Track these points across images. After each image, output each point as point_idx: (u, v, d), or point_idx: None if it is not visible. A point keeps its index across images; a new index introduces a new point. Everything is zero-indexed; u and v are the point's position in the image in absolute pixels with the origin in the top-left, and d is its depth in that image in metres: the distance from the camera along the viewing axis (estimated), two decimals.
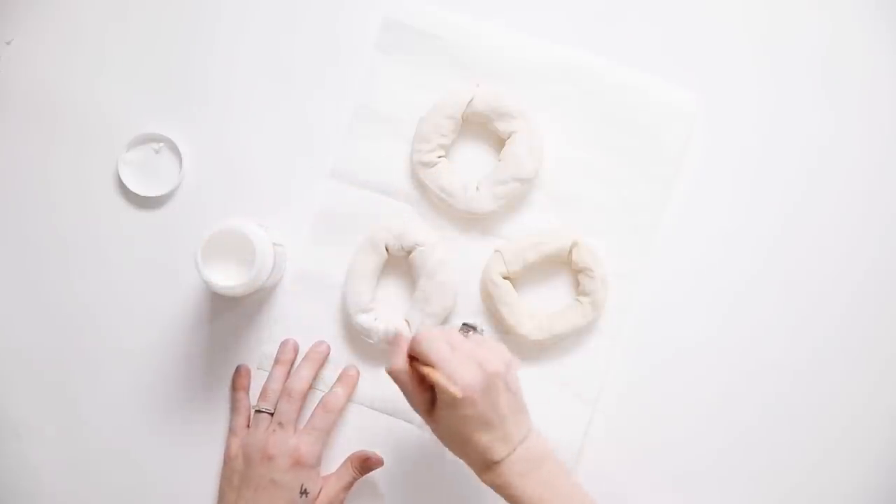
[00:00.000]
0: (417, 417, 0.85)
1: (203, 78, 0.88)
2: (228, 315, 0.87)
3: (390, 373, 0.73)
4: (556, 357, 0.85)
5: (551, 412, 0.84)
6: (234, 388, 0.86)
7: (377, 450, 0.84)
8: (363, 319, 0.84)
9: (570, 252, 0.84)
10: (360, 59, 0.87)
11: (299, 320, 0.87)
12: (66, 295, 0.88)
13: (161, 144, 0.88)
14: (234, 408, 0.85)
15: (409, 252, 0.84)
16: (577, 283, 0.85)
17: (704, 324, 0.85)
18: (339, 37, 0.88)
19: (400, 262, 0.86)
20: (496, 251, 0.84)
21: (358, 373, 0.86)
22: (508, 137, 0.84)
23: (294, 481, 0.80)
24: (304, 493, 0.80)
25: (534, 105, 0.85)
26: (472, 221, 0.86)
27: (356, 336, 0.86)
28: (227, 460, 0.84)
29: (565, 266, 0.85)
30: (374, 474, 0.85)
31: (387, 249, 0.85)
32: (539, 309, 0.85)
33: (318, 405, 0.84)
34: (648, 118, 0.86)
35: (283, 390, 0.83)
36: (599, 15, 0.87)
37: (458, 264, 0.86)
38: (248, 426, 0.84)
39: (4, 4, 0.89)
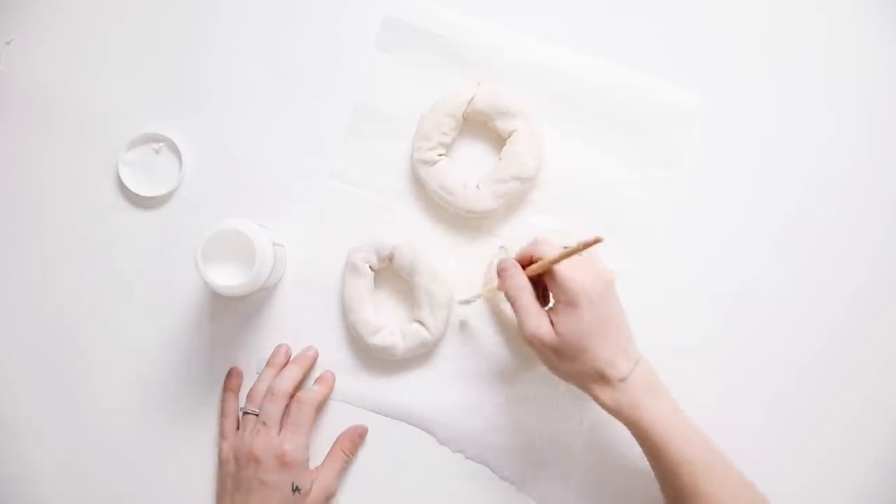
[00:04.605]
0: (420, 417, 0.85)
1: (203, 78, 0.88)
2: (228, 315, 0.87)
3: (510, 292, 0.74)
4: None
5: (553, 412, 0.84)
6: (224, 389, 0.86)
7: (376, 454, 0.85)
8: (378, 340, 0.84)
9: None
10: (361, 58, 0.87)
11: (299, 320, 0.87)
12: (66, 295, 0.88)
13: (161, 144, 0.88)
14: (222, 411, 0.86)
15: (391, 259, 0.84)
16: None
17: (704, 324, 0.85)
18: (339, 36, 0.88)
19: (389, 272, 0.86)
20: (501, 247, 0.84)
21: (334, 376, 0.86)
22: (509, 136, 0.84)
23: (283, 481, 0.80)
24: (295, 490, 0.80)
25: (534, 105, 0.86)
26: (471, 220, 0.86)
27: (357, 336, 0.86)
28: (220, 464, 0.84)
29: None
30: (373, 475, 0.85)
31: (370, 268, 0.85)
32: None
33: (291, 401, 0.83)
34: (648, 118, 0.86)
35: (268, 390, 0.83)
36: (600, 15, 0.87)
37: (458, 263, 0.86)
38: (238, 429, 0.84)
39: (4, 4, 0.89)
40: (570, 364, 0.72)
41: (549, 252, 0.73)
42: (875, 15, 0.86)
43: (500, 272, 0.75)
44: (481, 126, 0.86)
